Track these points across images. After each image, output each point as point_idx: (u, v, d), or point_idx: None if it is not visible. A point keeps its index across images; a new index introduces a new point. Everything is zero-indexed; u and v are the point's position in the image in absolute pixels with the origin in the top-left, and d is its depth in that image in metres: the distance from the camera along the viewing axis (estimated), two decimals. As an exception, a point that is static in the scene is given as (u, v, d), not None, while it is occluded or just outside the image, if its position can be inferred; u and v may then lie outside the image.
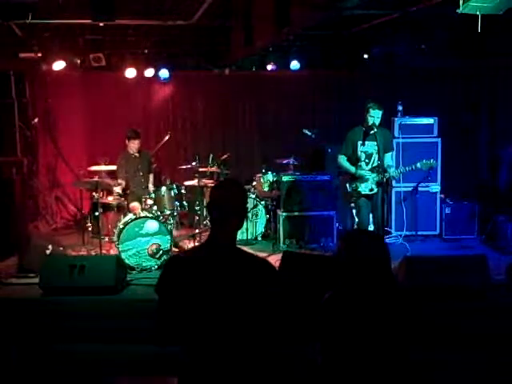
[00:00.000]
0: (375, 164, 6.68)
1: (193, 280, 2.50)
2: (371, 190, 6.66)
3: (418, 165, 6.74)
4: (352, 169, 6.70)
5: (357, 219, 7.08)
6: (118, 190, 7.69)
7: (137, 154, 7.89)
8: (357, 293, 2.71)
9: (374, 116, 6.49)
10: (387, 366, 2.67)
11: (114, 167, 8.11)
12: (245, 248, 2.70)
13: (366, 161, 6.73)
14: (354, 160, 6.75)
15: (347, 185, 6.73)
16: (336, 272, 2.80)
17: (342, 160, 6.77)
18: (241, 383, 2.51)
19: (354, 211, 7.23)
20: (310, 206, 8.05)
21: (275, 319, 2.53)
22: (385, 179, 6.47)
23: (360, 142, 6.67)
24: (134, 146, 7.83)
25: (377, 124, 6.49)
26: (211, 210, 2.60)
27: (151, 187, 7.99)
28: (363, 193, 6.67)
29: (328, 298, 2.76)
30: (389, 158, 6.76)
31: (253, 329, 2.49)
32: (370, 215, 6.81)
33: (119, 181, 7.73)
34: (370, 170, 6.69)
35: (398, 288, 2.95)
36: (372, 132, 6.47)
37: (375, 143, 6.49)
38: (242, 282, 2.50)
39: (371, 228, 6.93)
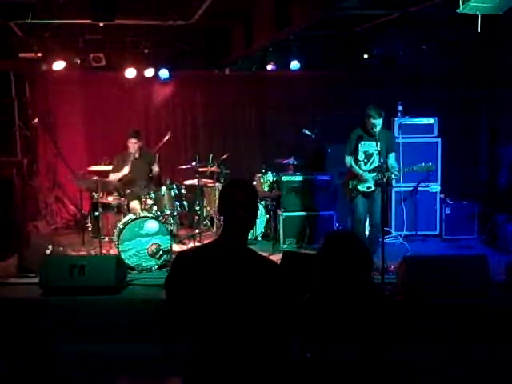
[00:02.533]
0: (375, 164, 6.66)
1: (201, 278, 2.50)
2: (369, 187, 6.66)
3: (415, 168, 6.73)
4: (359, 171, 6.69)
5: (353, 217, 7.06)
6: (113, 176, 7.69)
7: (136, 155, 7.88)
8: (333, 295, 2.73)
9: (376, 124, 6.45)
10: (360, 365, 2.69)
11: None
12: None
13: (365, 161, 6.71)
14: (356, 159, 6.76)
15: (350, 181, 6.75)
16: (315, 270, 2.82)
17: (350, 161, 6.75)
18: (246, 382, 2.51)
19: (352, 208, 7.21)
20: (310, 206, 8.06)
21: (280, 321, 2.53)
22: (384, 179, 6.46)
23: (360, 142, 6.66)
24: (131, 145, 7.81)
25: (377, 132, 6.47)
26: (222, 210, 2.61)
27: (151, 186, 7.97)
28: (361, 190, 6.68)
29: (308, 298, 2.79)
30: (392, 159, 6.73)
31: (257, 329, 2.49)
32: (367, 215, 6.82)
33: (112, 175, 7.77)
34: (370, 171, 6.68)
35: (377, 293, 2.97)
36: (373, 133, 6.47)
37: (375, 143, 6.47)
38: (250, 282, 2.50)
39: (367, 228, 6.94)
